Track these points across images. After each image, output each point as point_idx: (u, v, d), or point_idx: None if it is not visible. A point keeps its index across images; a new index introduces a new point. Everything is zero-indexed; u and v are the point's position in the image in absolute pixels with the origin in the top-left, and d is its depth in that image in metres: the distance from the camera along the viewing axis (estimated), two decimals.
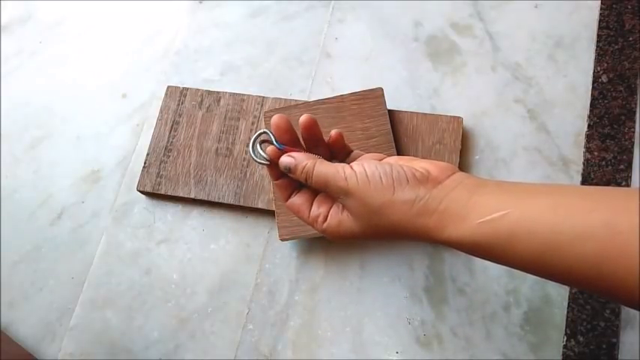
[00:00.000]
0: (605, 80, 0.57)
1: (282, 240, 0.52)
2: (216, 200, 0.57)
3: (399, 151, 0.54)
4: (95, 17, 0.73)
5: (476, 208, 0.31)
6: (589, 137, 0.55)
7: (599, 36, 0.59)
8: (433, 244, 0.34)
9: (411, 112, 0.56)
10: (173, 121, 0.61)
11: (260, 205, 0.56)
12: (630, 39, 0.58)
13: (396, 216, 0.33)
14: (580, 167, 0.54)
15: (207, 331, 0.55)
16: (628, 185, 0.53)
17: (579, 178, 0.54)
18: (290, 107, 0.57)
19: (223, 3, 0.69)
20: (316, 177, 0.36)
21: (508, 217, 0.30)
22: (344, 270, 0.54)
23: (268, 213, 0.56)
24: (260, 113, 0.60)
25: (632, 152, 0.54)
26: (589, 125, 0.56)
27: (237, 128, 0.60)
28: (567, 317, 0.50)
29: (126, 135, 0.65)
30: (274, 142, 0.38)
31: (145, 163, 0.60)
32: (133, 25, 0.71)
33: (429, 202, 0.33)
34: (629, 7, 0.59)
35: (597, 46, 0.59)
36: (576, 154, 0.55)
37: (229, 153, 0.59)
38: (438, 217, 0.32)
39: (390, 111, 0.55)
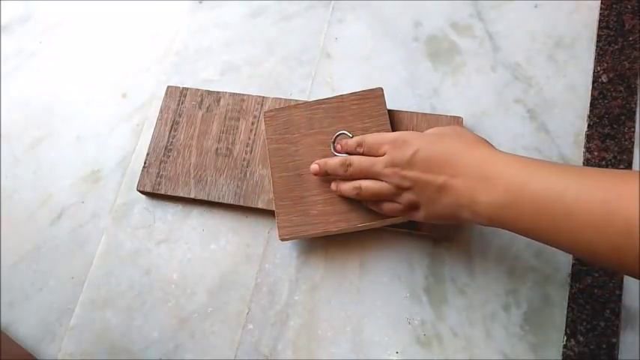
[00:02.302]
0: (605, 80, 0.57)
1: (282, 240, 0.52)
2: (216, 200, 0.57)
3: None
4: (95, 17, 0.73)
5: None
6: (589, 137, 0.55)
7: (599, 36, 0.59)
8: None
9: (411, 112, 0.56)
10: (173, 121, 0.61)
11: (260, 205, 0.56)
12: (630, 39, 0.58)
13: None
14: None
15: (207, 331, 0.55)
16: None
17: None
18: (290, 107, 0.57)
19: (223, 3, 0.69)
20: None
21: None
22: (344, 270, 0.55)
23: (268, 213, 0.56)
24: (260, 113, 0.60)
25: (632, 152, 0.54)
26: (589, 125, 0.56)
27: (237, 128, 0.60)
28: (567, 317, 0.50)
29: (126, 135, 0.65)
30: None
31: (145, 163, 0.60)
32: (133, 26, 0.71)
33: None
34: (629, 7, 0.59)
35: (597, 46, 0.59)
36: (576, 154, 0.55)
37: (229, 153, 0.59)
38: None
39: (390, 111, 0.55)
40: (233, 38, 0.67)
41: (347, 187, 0.49)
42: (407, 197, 0.45)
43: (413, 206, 0.45)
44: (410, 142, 0.44)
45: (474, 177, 0.40)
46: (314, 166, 0.51)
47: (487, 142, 0.44)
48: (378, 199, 0.47)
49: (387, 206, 0.47)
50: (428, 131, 0.47)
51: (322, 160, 0.51)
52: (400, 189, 0.45)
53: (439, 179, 0.42)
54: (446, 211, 0.42)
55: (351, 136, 0.52)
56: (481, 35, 0.61)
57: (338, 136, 0.53)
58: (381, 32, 0.64)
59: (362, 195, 0.48)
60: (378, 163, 0.46)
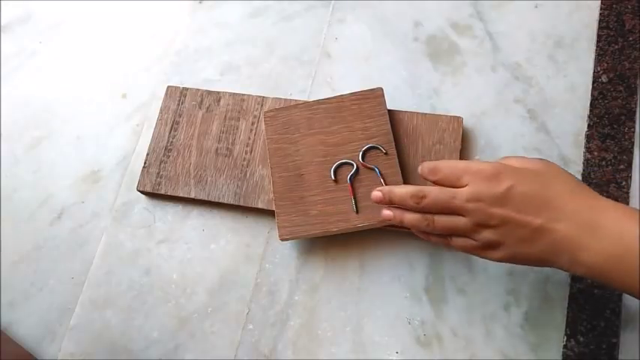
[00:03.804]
0: (605, 80, 0.57)
1: (282, 240, 0.52)
2: (216, 200, 0.57)
3: (399, 152, 0.54)
4: (95, 17, 0.73)
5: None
6: (589, 137, 0.55)
7: (599, 36, 0.59)
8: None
9: (411, 112, 0.56)
10: (173, 121, 0.61)
11: (260, 205, 0.56)
12: (630, 39, 0.58)
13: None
14: (580, 167, 0.54)
15: (207, 331, 0.55)
16: (628, 185, 0.53)
17: (579, 178, 0.54)
18: (290, 107, 0.57)
19: (223, 3, 0.69)
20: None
21: None
22: (344, 270, 0.54)
23: (268, 213, 0.56)
24: (260, 113, 0.60)
25: (632, 152, 0.54)
26: (589, 125, 0.56)
27: (237, 128, 0.60)
28: (567, 317, 0.50)
29: (126, 135, 0.65)
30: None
31: (144, 163, 0.60)
32: (133, 25, 0.71)
33: None
34: (629, 7, 0.59)
35: (597, 46, 0.59)
36: (576, 154, 0.55)
37: (229, 153, 0.59)
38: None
39: (390, 111, 0.55)
40: (233, 38, 0.67)
41: (414, 218, 0.43)
42: (487, 235, 0.40)
43: (491, 245, 0.40)
44: (502, 176, 0.39)
45: (579, 223, 0.37)
46: (376, 194, 0.45)
47: (588, 187, 0.41)
48: (450, 233, 0.43)
49: (458, 242, 0.43)
50: (514, 163, 0.42)
51: (387, 188, 0.45)
52: (481, 226, 0.40)
53: (536, 221, 0.38)
54: (537, 255, 0.39)
55: (354, 164, 0.52)
56: (481, 35, 0.61)
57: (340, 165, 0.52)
58: (381, 32, 0.64)
59: (432, 228, 0.43)
60: (459, 196, 0.40)
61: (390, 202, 0.44)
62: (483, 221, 0.40)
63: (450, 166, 0.42)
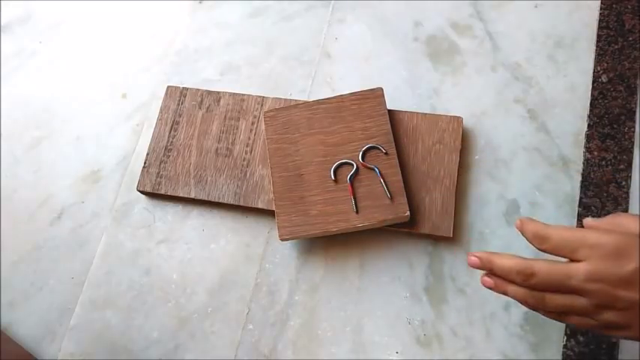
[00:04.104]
0: (605, 80, 0.57)
1: (282, 240, 0.52)
2: (216, 200, 0.57)
3: (399, 151, 0.54)
4: (95, 17, 0.73)
5: None
6: (589, 137, 0.55)
7: (599, 36, 0.59)
8: None
9: (411, 112, 0.56)
10: (173, 121, 0.61)
11: (260, 205, 0.56)
12: (630, 39, 0.58)
13: None
14: (580, 167, 0.54)
15: (207, 331, 0.55)
16: (628, 185, 0.53)
17: (579, 178, 0.54)
18: (290, 107, 0.57)
19: (223, 3, 0.69)
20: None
21: None
22: (344, 270, 0.54)
23: (268, 213, 0.56)
24: (260, 113, 0.60)
25: (632, 152, 0.54)
26: (589, 125, 0.56)
27: (237, 128, 0.60)
28: None
29: (126, 135, 0.65)
30: None
31: (144, 163, 0.60)
32: (132, 25, 0.71)
33: None
34: (629, 7, 0.59)
35: (597, 46, 0.59)
36: (576, 154, 0.55)
37: (229, 153, 0.59)
38: None
39: (390, 111, 0.55)
40: (233, 38, 0.67)
41: (521, 293, 0.38)
42: (610, 318, 0.35)
43: (617, 326, 0.35)
44: (627, 252, 0.33)
45: None
46: (474, 260, 0.39)
47: None
48: (565, 312, 0.37)
49: (575, 320, 0.37)
50: (631, 225, 0.36)
51: (486, 256, 0.39)
52: (603, 308, 0.35)
53: None
54: None
55: (354, 164, 0.52)
56: (481, 35, 0.61)
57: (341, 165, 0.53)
58: (381, 32, 0.64)
59: (543, 306, 0.37)
60: (576, 276, 0.34)
61: (489, 271, 0.39)
62: (607, 303, 0.34)
63: (561, 234, 0.36)
